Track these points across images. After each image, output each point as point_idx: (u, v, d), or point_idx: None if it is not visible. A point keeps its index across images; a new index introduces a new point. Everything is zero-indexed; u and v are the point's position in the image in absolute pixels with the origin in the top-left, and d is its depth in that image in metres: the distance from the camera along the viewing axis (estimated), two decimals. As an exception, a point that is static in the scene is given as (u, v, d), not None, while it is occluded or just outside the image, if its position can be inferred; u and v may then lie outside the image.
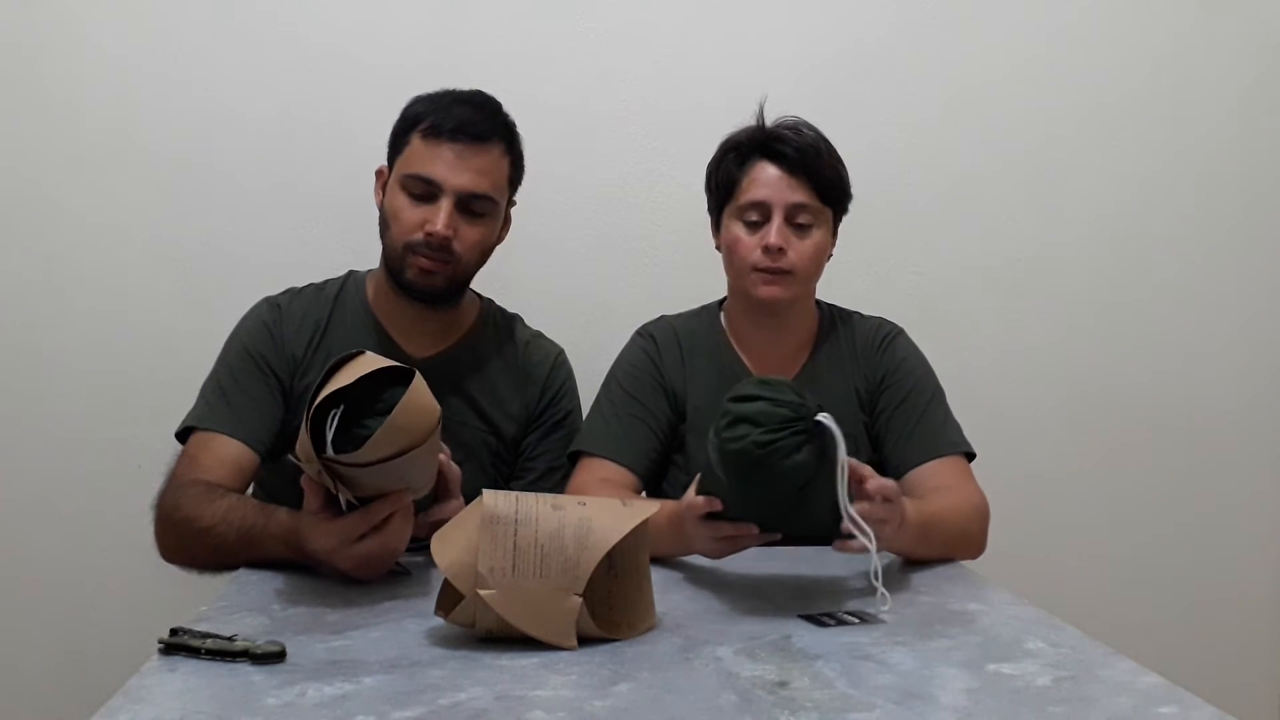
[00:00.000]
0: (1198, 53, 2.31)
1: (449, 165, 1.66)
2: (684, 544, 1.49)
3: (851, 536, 1.32)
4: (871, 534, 1.31)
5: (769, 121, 1.74)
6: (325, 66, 2.16)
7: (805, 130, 1.72)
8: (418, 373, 1.37)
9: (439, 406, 1.39)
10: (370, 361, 1.38)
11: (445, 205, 1.66)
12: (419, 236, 1.67)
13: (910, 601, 1.41)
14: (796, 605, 1.37)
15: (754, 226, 1.71)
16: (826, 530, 1.35)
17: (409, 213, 1.67)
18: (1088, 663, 1.16)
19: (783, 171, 1.70)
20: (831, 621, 1.30)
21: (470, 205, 1.69)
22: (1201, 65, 2.32)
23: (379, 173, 1.76)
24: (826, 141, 1.74)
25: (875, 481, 1.37)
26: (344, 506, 1.39)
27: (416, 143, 1.68)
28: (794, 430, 1.29)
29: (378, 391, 1.36)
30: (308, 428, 1.34)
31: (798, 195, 1.69)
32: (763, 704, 1.04)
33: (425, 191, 1.67)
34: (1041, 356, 2.32)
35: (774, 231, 1.68)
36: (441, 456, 1.46)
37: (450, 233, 1.66)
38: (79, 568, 2.15)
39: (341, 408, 1.36)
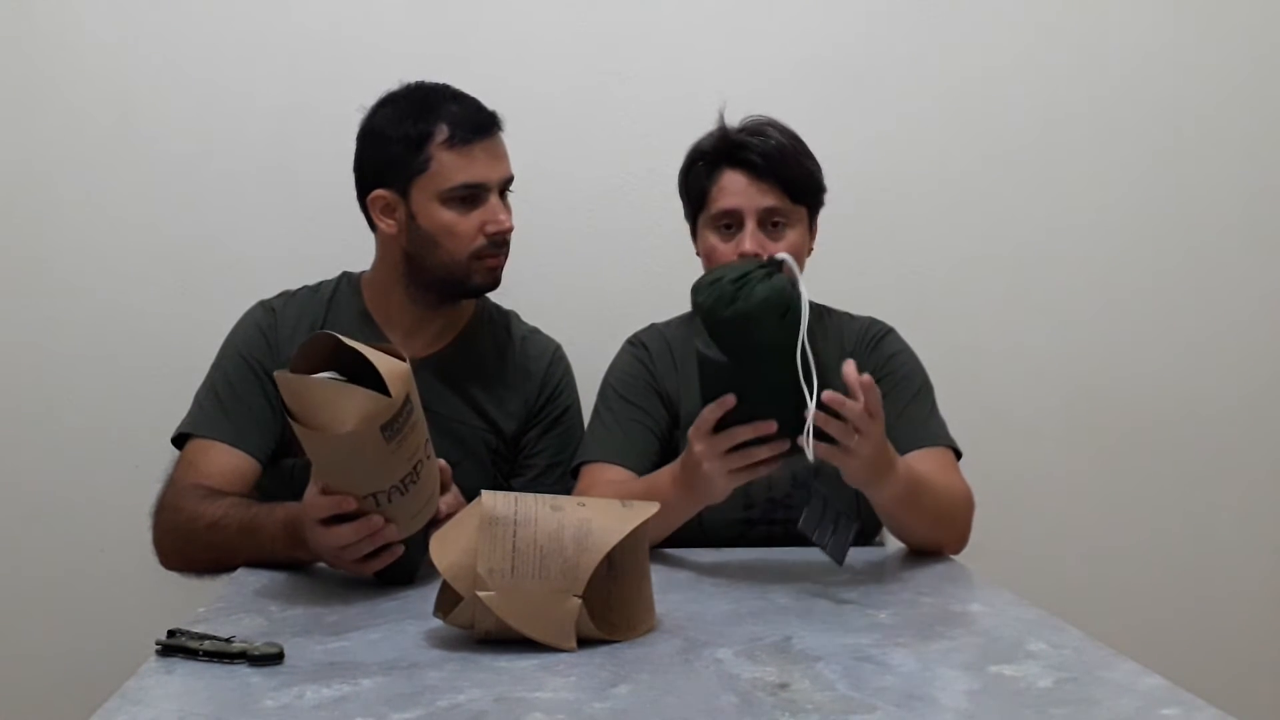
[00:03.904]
0: (1197, 47, 2.30)
1: (485, 164, 1.69)
2: (698, 492, 1.46)
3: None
4: (816, 383, 1.35)
5: (736, 124, 1.74)
6: (325, 65, 2.15)
7: (771, 131, 1.72)
8: (398, 404, 1.32)
9: (354, 431, 1.30)
10: (395, 369, 1.34)
11: (496, 200, 1.71)
12: (481, 241, 1.70)
13: (911, 603, 1.41)
14: (798, 608, 1.36)
15: (728, 233, 1.72)
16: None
17: (464, 223, 1.69)
18: (1090, 664, 1.15)
19: (751, 178, 1.70)
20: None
21: (505, 191, 1.74)
22: (1201, 60, 2.30)
23: (378, 198, 1.72)
24: (794, 139, 1.73)
25: (862, 382, 1.39)
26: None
27: (443, 156, 1.67)
28: (759, 266, 1.39)
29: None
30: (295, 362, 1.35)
31: (768, 199, 1.69)
32: (763, 706, 1.03)
33: (470, 196, 1.69)
34: (1041, 356, 2.30)
35: (747, 239, 1.69)
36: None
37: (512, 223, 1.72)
38: (76, 568, 2.14)
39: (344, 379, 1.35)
